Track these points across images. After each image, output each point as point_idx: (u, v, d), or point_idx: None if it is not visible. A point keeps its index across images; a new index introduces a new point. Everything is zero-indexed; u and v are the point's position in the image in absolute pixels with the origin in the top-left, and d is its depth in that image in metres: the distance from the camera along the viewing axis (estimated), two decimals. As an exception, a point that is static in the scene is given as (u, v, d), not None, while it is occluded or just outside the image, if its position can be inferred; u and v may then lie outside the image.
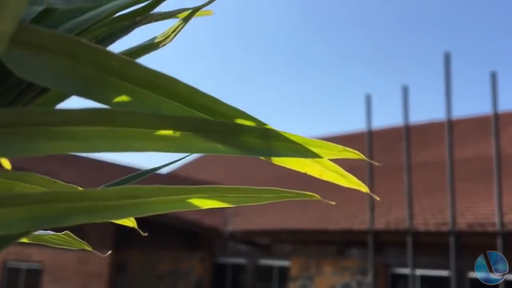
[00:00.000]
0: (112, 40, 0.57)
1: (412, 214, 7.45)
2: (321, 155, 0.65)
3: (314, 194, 0.78)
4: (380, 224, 7.86)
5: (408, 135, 8.17)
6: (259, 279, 9.90)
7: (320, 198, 0.78)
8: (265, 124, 0.60)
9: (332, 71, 30.90)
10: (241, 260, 10.25)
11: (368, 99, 8.54)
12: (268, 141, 0.58)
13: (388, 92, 27.26)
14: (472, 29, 27.03)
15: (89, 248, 0.83)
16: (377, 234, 7.79)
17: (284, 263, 9.38)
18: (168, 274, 10.85)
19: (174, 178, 17.32)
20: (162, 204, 0.53)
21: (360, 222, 8.16)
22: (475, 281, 6.92)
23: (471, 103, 26.20)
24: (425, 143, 12.75)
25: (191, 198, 0.56)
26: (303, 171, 0.76)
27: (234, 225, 9.82)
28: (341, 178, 0.74)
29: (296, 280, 8.88)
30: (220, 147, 0.54)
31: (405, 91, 8.14)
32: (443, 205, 7.95)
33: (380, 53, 29.77)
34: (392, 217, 8.16)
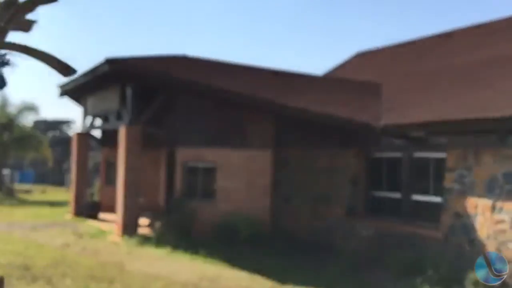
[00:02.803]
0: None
1: None
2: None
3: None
4: (547, 108, 7.21)
5: None
6: (415, 172, 9.94)
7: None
8: None
9: None
10: (396, 154, 10.33)
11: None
12: None
13: None
14: None
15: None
16: (543, 119, 7.18)
17: (440, 154, 9.24)
18: (325, 170, 11.46)
19: (329, 79, 17.52)
20: None
21: (525, 108, 7.56)
22: None
23: None
24: None
25: None
26: None
27: (386, 120, 9.82)
28: None
29: (453, 171, 8.73)
30: None
31: None
32: None
33: None
34: (562, 100, 7.39)
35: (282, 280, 8.10)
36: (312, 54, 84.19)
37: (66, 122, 49.25)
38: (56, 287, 7.24)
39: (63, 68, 1.73)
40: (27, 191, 30.91)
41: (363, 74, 16.63)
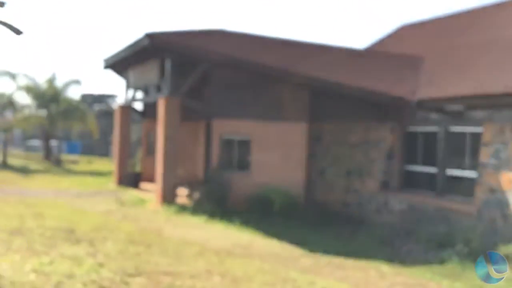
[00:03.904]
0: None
1: None
2: None
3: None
4: None
5: None
6: (451, 146, 9.83)
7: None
8: None
9: None
10: (432, 128, 10.23)
11: None
12: None
13: None
14: None
15: None
16: None
17: (477, 129, 9.10)
18: (360, 144, 11.47)
19: (367, 53, 17.29)
20: None
21: None
22: None
23: None
24: None
25: None
26: None
27: (422, 94, 9.73)
28: None
29: (489, 146, 8.61)
30: None
31: None
32: None
33: None
34: None
35: (312, 249, 8.30)
36: (357, 26, 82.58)
37: (112, 96, 50.57)
38: (98, 249, 7.69)
39: (15, 30, 2.86)
40: (74, 162, 32.18)
41: (406, 47, 16.30)
